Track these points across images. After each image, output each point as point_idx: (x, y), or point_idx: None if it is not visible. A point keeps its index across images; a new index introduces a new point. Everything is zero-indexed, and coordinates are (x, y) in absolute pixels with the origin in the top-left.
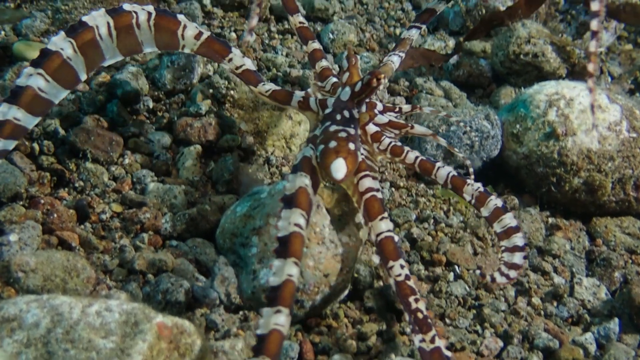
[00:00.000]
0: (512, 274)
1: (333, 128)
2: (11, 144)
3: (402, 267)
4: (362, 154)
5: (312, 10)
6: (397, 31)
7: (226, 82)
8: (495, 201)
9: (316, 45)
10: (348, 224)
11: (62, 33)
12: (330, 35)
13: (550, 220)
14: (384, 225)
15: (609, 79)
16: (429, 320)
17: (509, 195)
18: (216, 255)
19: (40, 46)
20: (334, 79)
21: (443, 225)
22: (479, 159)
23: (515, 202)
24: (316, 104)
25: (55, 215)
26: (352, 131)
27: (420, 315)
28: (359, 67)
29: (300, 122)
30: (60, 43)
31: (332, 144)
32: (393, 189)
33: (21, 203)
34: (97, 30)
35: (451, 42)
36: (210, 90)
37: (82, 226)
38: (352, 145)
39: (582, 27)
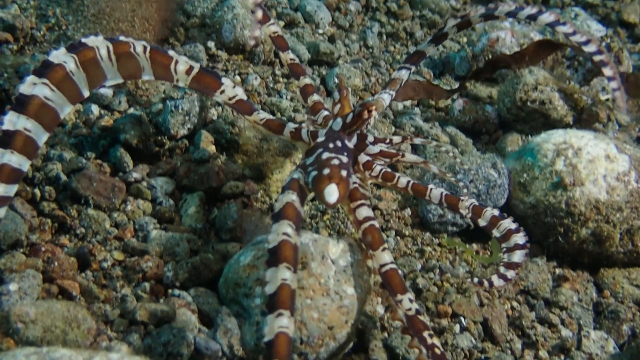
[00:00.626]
0: (510, 274)
1: (326, 155)
2: (25, 163)
3: (411, 301)
4: (355, 183)
5: (317, 54)
6: None
7: (230, 127)
8: (491, 211)
9: (307, 80)
10: (353, 275)
11: (63, 49)
12: (336, 80)
13: (558, 271)
14: (387, 257)
15: (617, 127)
16: (447, 358)
17: None
18: (219, 305)
19: None
20: (326, 112)
21: (449, 275)
22: None
23: None
24: (308, 135)
25: (56, 263)
26: (344, 159)
27: (437, 351)
28: (350, 99)
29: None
30: (62, 57)
31: (326, 170)
32: (398, 238)
33: (22, 250)
34: (97, 51)
35: (456, 87)
36: (215, 136)
37: (83, 274)
38: (344, 172)
39: (589, 74)
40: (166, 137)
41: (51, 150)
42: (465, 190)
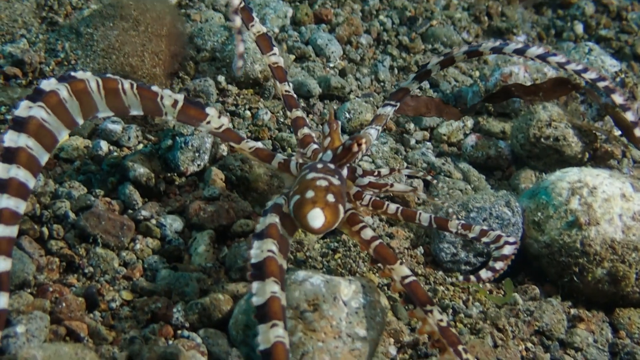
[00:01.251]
0: (499, 265)
1: (311, 176)
2: (31, 180)
3: (440, 312)
4: (350, 210)
5: (328, 88)
6: None
7: (240, 164)
8: (479, 226)
9: (299, 113)
10: (366, 317)
11: (53, 79)
12: (347, 115)
13: (573, 311)
14: (406, 269)
15: (632, 163)
16: None
17: (529, 284)
18: (229, 347)
19: None
20: (315, 146)
21: (462, 315)
22: None
23: (536, 291)
24: (296, 168)
25: (64, 304)
26: (335, 181)
27: None
28: (340, 132)
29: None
30: (55, 85)
31: (309, 193)
32: None
33: (29, 291)
34: (87, 83)
35: (469, 122)
36: (225, 172)
37: (92, 315)
38: (331, 197)
39: (603, 109)
40: (176, 174)
41: (59, 187)
42: (454, 216)
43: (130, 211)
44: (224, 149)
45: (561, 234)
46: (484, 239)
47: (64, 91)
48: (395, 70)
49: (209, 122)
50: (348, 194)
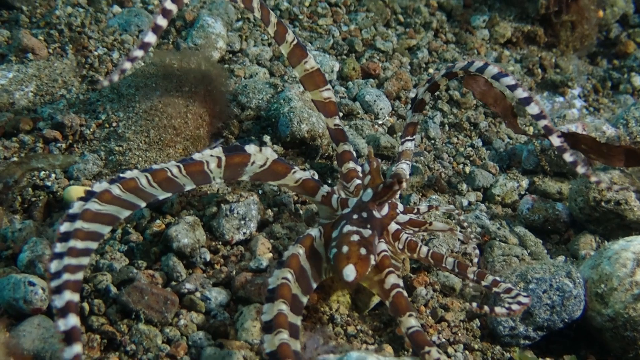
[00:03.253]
0: (515, 307)
1: (346, 229)
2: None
3: (439, 352)
4: (385, 251)
5: (377, 148)
6: (467, 169)
7: (287, 232)
8: (492, 277)
9: (347, 147)
10: None
11: (105, 182)
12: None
13: None
14: (413, 321)
15: None
16: None
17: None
18: None
19: None
20: (359, 181)
21: None
22: (560, 320)
23: None
24: (337, 202)
25: None
26: (366, 233)
27: None
28: (380, 171)
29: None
30: (107, 185)
31: (344, 249)
32: (467, 352)
33: None
34: (138, 181)
35: (524, 182)
36: (272, 241)
37: None
38: (363, 251)
39: None
40: (221, 243)
41: (100, 259)
42: (475, 260)
43: (173, 283)
44: (269, 214)
45: (626, 307)
46: (495, 289)
47: (116, 189)
48: (446, 127)
49: (253, 163)
50: (387, 234)
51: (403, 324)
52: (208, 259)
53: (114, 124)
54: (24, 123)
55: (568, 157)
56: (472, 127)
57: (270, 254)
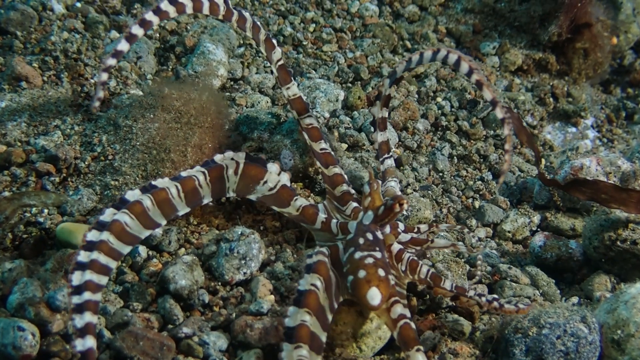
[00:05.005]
0: (522, 305)
1: (358, 255)
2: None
3: None
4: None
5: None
6: (477, 204)
7: (290, 272)
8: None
9: (337, 170)
10: None
11: (137, 190)
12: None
13: None
14: (420, 357)
15: None
16: None
17: None
18: None
19: (86, 228)
20: (355, 204)
21: None
22: None
23: None
24: (337, 227)
25: None
26: (378, 255)
27: None
28: (380, 192)
29: (372, 318)
30: (139, 196)
31: (362, 273)
32: None
33: None
34: (169, 191)
35: (536, 218)
36: (273, 282)
37: None
38: (381, 272)
39: None
40: (220, 283)
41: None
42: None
43: (170, 326)
44: (271, 252)
45: None
46: (497, 303)
47: (147, 201)
48: (455, 159)
49: (265, 183)
50: (391, 255)
51: (411, 358)
52: (207, 301)
53: (110, 157)
54: (16, 155)
55: (506, 130)
56: (481, 160)
57: (272, 296)
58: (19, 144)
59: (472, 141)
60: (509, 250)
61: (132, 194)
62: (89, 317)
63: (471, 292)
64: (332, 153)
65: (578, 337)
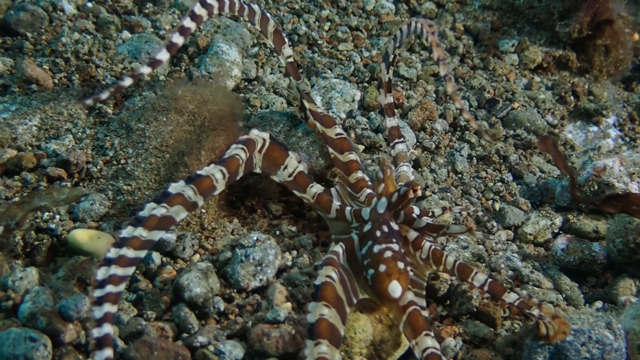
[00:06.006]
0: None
1: (377, 249)
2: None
3: None
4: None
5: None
6: (497, 206)
7: (307, 279)
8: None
9: (353, 156)
10: None
11: (182, 182)
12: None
13: None
14: (429, 341)
15: None
16: None
17: None
18: None
19: (99, 235)
20: (369, 190)
21: None
22: None
23: None
24: (351, 215)
25: None
26: (395, 247)
27: None
28: (393, 178)
29: (391, 326)
30: (182, 187)
31: (382, 267)
32: None
33: None
34: (213, 178)
35: (558, 220)
36: (290, 289)
37: None
38: (401, 264)
39: None
40: (235, 290)
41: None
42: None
43: (185, 335)
44: (287, 257)
45: None
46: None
47: (189, 191)
48: (474, 160)
49: (285, 168)
50: (407, 243)
51: (419, 345)
52: (222, 309)
53: (123, 161)
54: (27, 160)
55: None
56: (501, 160)
57: (289, 304)
58: (30, 148)
59: (491, 141)
60: (530, 253)
61: (175, 187)
62: (107, 307)
63: (510, 299)
64: (349, 139)
65: (603, 343)
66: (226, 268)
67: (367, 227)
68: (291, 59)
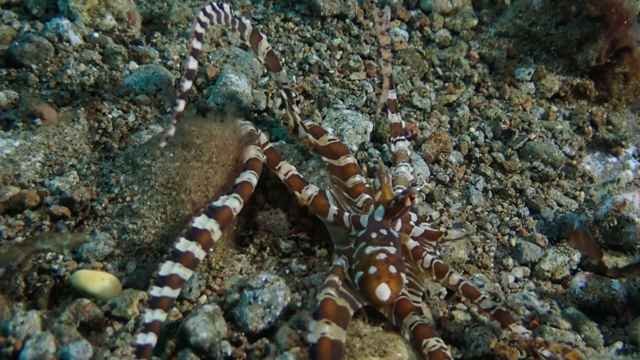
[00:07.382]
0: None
1: (369, 250)
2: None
3: (437, 341)
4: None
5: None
6: (513, 241)
7: None
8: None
9: (350, 159)
10: None
11: (204, 216)
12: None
13: None
14: (417, 318)
15: None
16: None
17: None
18: None
19: (103, 277)
20: (367, 196)
21: None
22: None
23: None
24: (349, 221)
25: None
26: (392, 250)
27: None
28: (391, 186)
29: (396, 338)
30: (206, 222)
31: (372, 269)
32: None
33: None
34: (233, 211)
35: (576, 256)
36: (300, 332)
37: None
38: (393, 269)
39: None
40: (243, 334)
41: (110, 356)
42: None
43: None
44: (298, 298)
45: None
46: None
47: (235, 202)
48: (490, 194)
49: (280, 168)
50: (407, 252)
51: (405, 324)
52: (229, 354)
53: (128, 199)
54: (30, 198)
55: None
56: (518, 194)
57: (298, 348)
58: (33, 185)
59: (507, 174)
60: (547, 290)
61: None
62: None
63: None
64: (343, 143)
65: None
66: (234, 310)
67: (362, 232)
68: (269, 49)
